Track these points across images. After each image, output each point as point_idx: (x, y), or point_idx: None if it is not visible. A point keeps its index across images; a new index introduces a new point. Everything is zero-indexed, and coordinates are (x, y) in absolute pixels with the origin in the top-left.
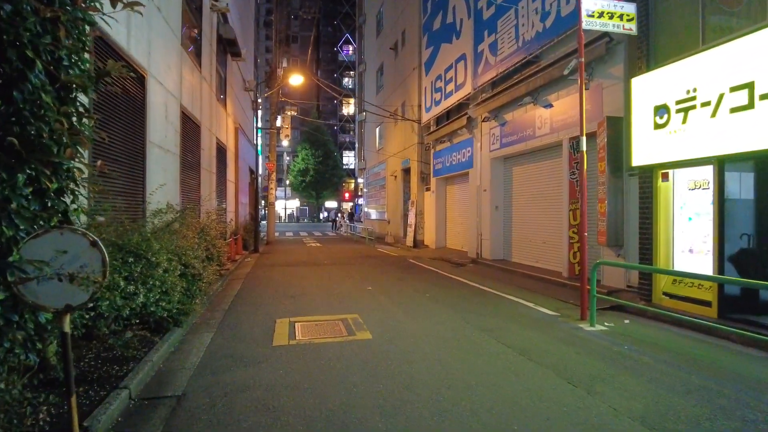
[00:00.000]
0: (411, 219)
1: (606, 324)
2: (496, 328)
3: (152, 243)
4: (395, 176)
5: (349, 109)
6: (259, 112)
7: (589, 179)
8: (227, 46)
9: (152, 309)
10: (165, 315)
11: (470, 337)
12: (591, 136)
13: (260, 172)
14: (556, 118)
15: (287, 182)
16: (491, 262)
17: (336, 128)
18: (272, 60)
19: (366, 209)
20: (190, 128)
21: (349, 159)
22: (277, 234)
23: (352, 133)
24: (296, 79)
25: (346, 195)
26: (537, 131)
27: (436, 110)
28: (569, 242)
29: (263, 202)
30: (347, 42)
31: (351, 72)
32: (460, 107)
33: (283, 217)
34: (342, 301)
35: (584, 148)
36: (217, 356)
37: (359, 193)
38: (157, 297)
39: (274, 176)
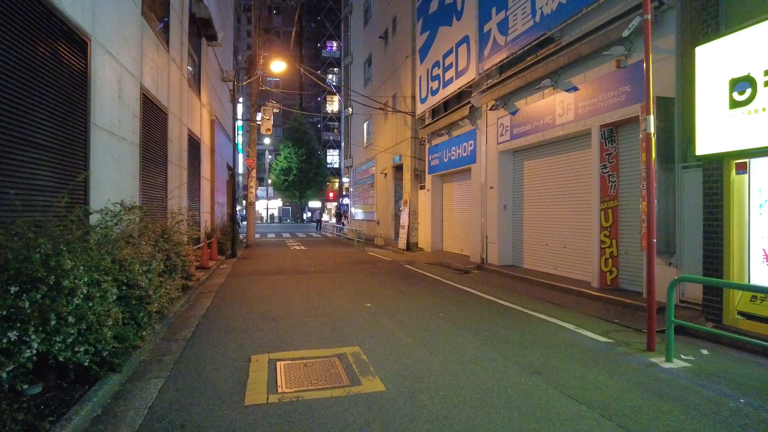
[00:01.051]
0: (404, 220)
1: (683, 357)
2: (545, 366)
3: (64, 259)
4: (385, 174)
5: (333, 106)
6: (240, 107)
7: (625, 174)
8: (201, 28)
9: (65, 355)
10: (89, 361)
11: (520, 386)
12: (627, 124)
13: (240, 170)
14: (582, 104)
15: (269, 181)
16: (499, 268)
17: (320, 126)
18: (252, 47)
19: (353, 209)
20: (154, 115)
21: (333, 158)
22: (258, 236)
23: (336, 131)
24: (278, 66)
25: (331, 195)
26: (557, 119)
27: (433, 100)
28: (600, 247)
29: (243, 201)
30: (331, 38)
31: (335, 69)
32: (460, 96)
33: (265, 218)
34: (336, 324)
35: (652, 130)
36: (162, 425)
37: (344, 193)
38: (72, 339)
39: (254, 174)
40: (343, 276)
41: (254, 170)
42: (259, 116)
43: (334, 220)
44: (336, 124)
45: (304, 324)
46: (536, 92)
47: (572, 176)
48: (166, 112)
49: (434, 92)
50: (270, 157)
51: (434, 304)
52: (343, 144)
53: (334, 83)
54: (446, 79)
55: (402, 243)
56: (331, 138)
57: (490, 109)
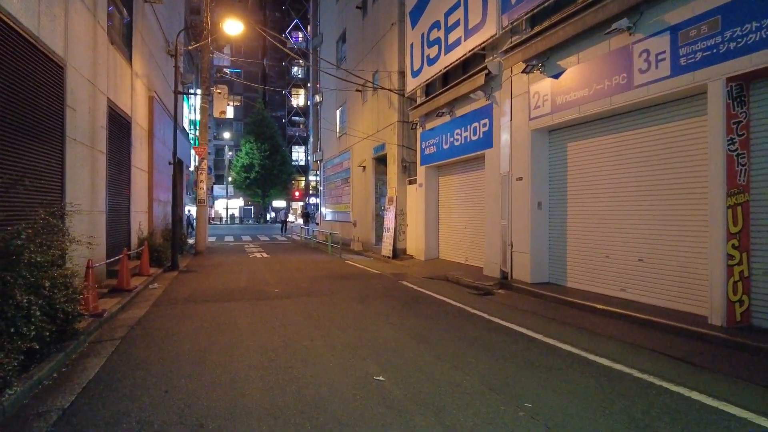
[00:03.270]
0: (389, 221)
1: None
2: None
3: None
4: (364, 167)
5: (298, 100)
6: (196, 100)
7: (762, 153)
8: None
9: None
10: None
11: None
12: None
13: (203, 166)
14: (689, 49)
15: (229, 179)
16: (533, 287)
17: (284, 121)
18: (203, 3)
19: (323, 209)
20: (32, 61)
21: (299, 155)
22: (213, 239)
23: (302, 126)
24: (234, 27)
25: (297, 194)
26: (637, 77)
27: (430, 72)
28: (727, 264)
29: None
30: (297, 28)
31: (300, 61)
32: (467, 65)
33: (224, 219)
34: None
35: None
36: None
37: (311, 192)
38: None
39: (205, 165)
40: (323, 304)
41: (205, 161)
42: (214, 111)
43: (300, 221)
44: (302, 119)
45: None
46: (599, 42)
47: (657, 159)
48: (62, 65)
49: (432, 61)
50: (230, 153)
51: (493, 371)
52: (311, 136)
53: (299, 76)
54: (450, 41)
55: (386, 249)
56: (296, 134)
57: (522, 72)
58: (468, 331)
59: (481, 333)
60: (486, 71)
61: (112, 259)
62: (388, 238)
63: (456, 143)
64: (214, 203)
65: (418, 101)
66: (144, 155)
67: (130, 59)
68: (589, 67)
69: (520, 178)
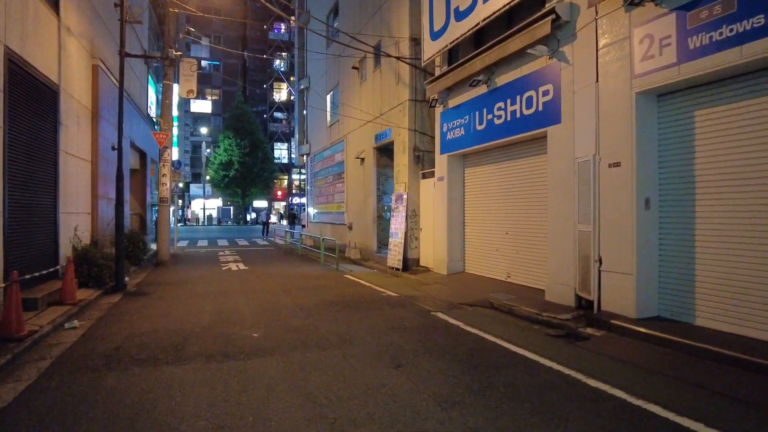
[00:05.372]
0: (397, 224)
1: None
2: None
3: None
4: (362, 158)
5: (281, 94)
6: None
7: None
8: None
9: None
10: None
11: None
12: None
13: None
14: None
15: (207, 178)
16: (644, 325)
17: (266, 116)
18: None
19: (311, 210)
20: None
21: (281, 152)
22: (184, 243)
23: (284, 122)
24: None
25: (279, 193)
26: None
27: (461, 28)
28: None
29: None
30: (280, 19)
31: (283, 53)
32: (512, 14)
33: (201, 220)
34: None
35: None
36: None
37: (294, 191)
38: None
39: (169, 156)
40: (332, 371)
41: (169, 150)
42: (180, 92)
43: (285, 222)
44: (284, 115)
45: None
46: None
47: None
48: None
49: (462, 14)
50: (208, 150)
51: None
52: (296, 128)
53: (282, 68)
54: None
55: (394, 259)
56: (279, 130)
57: (620, 8)
58: None
59: None
60: (552, 16)
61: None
62: (396, 245)
63: (497, 121)
64: (190, 203)
65: (437, 73)
66: (85, 140)
67: (56, 7)
68: None
69: (617, 164)
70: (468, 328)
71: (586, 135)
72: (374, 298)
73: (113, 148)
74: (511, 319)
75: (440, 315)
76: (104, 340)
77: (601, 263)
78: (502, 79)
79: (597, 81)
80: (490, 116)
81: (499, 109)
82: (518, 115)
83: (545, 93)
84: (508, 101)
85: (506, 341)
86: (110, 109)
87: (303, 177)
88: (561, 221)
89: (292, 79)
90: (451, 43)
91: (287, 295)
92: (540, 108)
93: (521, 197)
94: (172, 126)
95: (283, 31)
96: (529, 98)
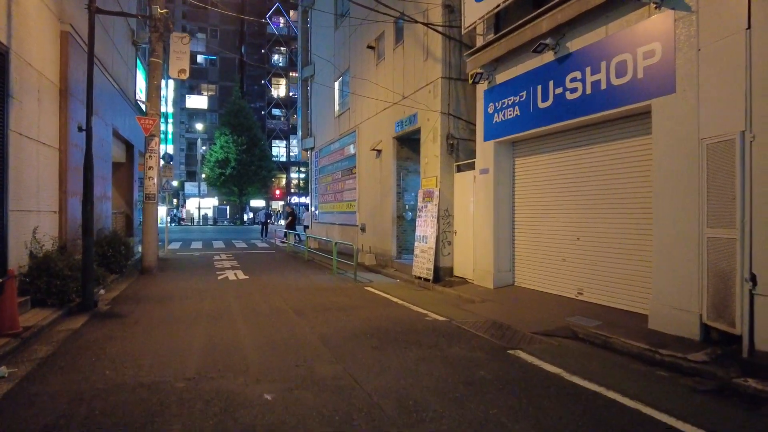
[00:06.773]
0: (425, 226)
1: None
2: None
3: None
4: (379, 150)
5: (279, 90)
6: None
7: None
8: None
9: None
10: None
11: None
12: None
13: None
14: None
15: (202, 176)
16: None
17: (264, 113)
18: None
19: (315, 209)
20: None
21: (280, 149)
22: (176, 246)
23: (283, 119)
24: None
25: (277, 192)
26: None
27: None
28: None
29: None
30: (278, 13)
31: (282, 48)
32: None
33: (196, 219)
34: None
35: None
36: None
37: (292, 190)
38: None
39: (156, 145)
40: None
41: (157, 139)
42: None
43: (283, 222)
44: (283, 112)
45: None
46: None
47: None
48: None
49: None
50: (204, 147)
51: None
52: (299, 121)
53: (280, 64)
54: None
55: (422, 268)
56: (277, 127)
57: None
58: None
59: None
60: None
61: None
62: (424, 251)
63: (569, 96)
64: (185, 202)
65: (479, 43)
66: (50, 123)
67: None
68: None
69: None
70: (575, 380)
71: (725, 106)
72: (417, 325)
73: (80, 129)
74: (614, 358)
75: (521, 355)
76: (31, 410)
77: (755, 283)
78: (577, 43)
79: (749, 27)
80: (559, 89)
81: (574, 80)
82: (603, 86)
83: (648, 55)
84: (587, 70)
85: (645, 404)
86: (79, 86)
87: (302, 176)
88: (675, 225)
89: (291, 74)
90: (504, 1)
91: (302, 318)
92: (640, 75)
93: (599, 194)
94: (160, 111)
95: (281, 25)
96: (621, 63)
